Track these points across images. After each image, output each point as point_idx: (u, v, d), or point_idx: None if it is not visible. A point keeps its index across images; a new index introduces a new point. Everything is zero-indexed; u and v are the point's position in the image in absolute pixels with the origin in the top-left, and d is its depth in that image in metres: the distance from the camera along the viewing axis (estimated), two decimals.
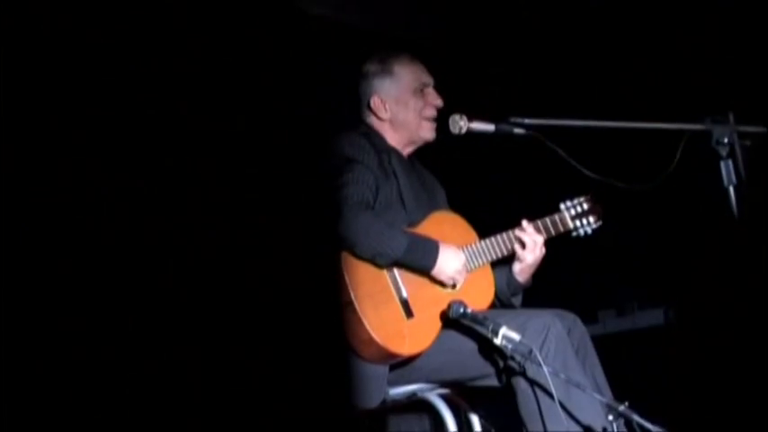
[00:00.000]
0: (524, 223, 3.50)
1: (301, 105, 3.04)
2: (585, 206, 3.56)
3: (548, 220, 3.52)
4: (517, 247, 3.49)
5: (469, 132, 3.47)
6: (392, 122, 3.64)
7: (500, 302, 3.59)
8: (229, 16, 2.87)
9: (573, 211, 3.55)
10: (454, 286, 3.41)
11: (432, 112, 3.65)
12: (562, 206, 3.55)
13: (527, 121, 3.32)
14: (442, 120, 3.58)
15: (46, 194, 2.49)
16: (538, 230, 3.49)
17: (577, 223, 3.54)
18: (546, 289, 3.63)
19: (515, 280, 3.57)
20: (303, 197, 3.02)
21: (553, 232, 3.51)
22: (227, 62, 2.83)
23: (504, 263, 3.55)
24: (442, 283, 3.41)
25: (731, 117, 3.13)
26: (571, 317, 3.40)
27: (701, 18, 4.65)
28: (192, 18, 2.79)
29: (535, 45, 5.02)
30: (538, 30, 4.94)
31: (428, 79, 3.68)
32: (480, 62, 5.02)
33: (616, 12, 4.77)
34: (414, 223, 3.48)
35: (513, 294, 3.60)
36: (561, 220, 3.52)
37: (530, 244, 3.48)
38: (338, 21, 4.41)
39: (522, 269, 3.54)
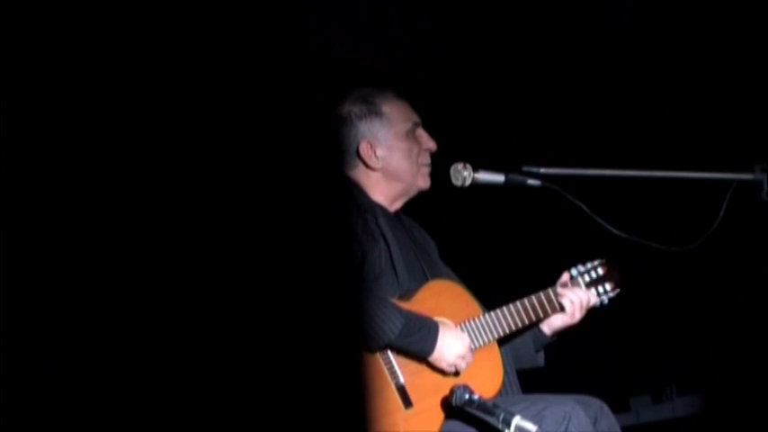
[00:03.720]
0: (564, 277, 3.55)
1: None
2: (600, 271, 3.57)
3: (561, 289, 3.54)
4: (568, 305, 3.51)
5: (474, 184, 3.47)
6: (385, 171, 3.61)
7: (517, 363, 3.60)
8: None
9: (587, 278, 3.57)
10: (457, 374, 3.40)
11: (427, 158, 3.64)
12: (574, 271, 3.57)
13: (543, 170, 3.34)
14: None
15: (42, 193, 2.67)
16: (552, 304, 3.52)
17: (593, 291, 3.56)
18: (568, 371, 3.72)
19: (543, 334, 3.59)
20: (276, 269, 3.04)
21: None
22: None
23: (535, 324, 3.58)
24: (442, 371, 3.40)
25: None
26: (597, 404, 3.36)
27: (746, 55, 4.73)
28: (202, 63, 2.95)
29: (553, 81, 5.04)
30: (555, 63, 4.96)
31: (417, 118, 3.67)
32: (484, 100, 5.04)
33: (649, 42, 4.87)
34: (406, 295, 3.45)
35: (538, 351, 3.64)
36: (574, 287, 3.56)
37: (584, 302, 3.52)
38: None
39: (564, 325, 3.56)
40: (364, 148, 3.60)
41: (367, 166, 3.61)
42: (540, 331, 3.59)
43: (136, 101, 2.78)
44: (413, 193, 3.65)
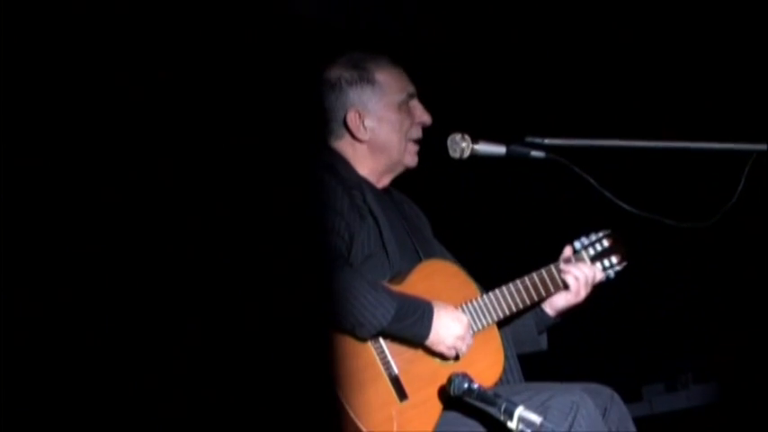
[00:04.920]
0: (567, 252, 3.57)
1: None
2: (606, 243, 3.58)
3: (564, 266, 3.56)
4: (572, 282, 3.52)
5: (473, 156, 3.44)
6: (371, 145, 3.58)
7: (518, 347, 3.60)
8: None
9: (591, 251, 3.57)
10: (457, 357, 3.37)
11: (419, 133, 3.60)
12: (577, 244, 3.57)
13: (548, 141, 3.32)
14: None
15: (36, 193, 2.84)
16: (553, 277, 3.52)
17: (598, 266, 3.56)
18: (575, 357, 3.74)
19: (546, 315, 3.60)
20: (258, 253, 3.08)
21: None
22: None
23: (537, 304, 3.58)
24: (440, 355, 3.37)
25: None
26: (607, 393, 3.35)
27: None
28: (171, 19, 3.07)
29: (558, 43, 5.00)
30: (562, 22, 4.94)
31: (412, 88, 3.62)
32: (483, 64, 5.01)
33: (666, 4, 4.85)
34: (398, 276, 3.41)
35: (541, 333, 3.64)
36: (578, 262, 3.57)
37: (589, 277, 3.53)
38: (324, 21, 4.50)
39: (568, 304, 3.56)
40: (352, 118, 3.55)
41: (353, 137, 3.57)
42: (543, 312, 3.58)
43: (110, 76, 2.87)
44: (399, 170, 3.63)
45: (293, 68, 3.25)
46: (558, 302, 3.56)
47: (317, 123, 3.62)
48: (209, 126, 3.15)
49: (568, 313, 3.59)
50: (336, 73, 3.57)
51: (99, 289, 2.82)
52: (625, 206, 3.30)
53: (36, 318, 2.73)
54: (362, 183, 3.53)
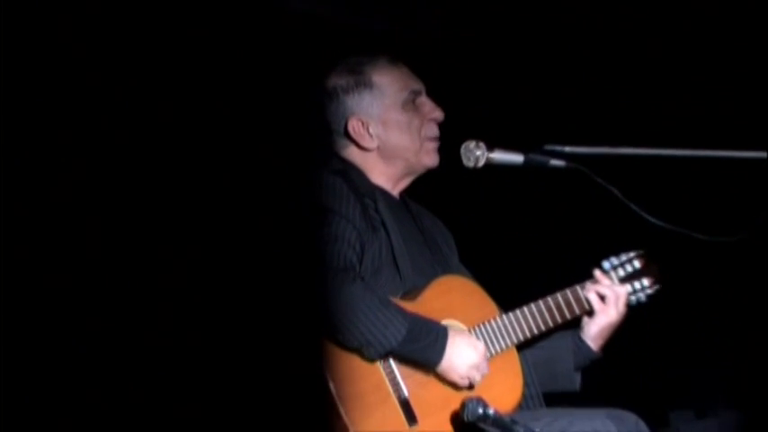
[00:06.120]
0: (597, 274, 3.55)
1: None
2: (637, 264, 3.56)
3: (589, 285, 3.55)
4: (596, 302, 3.51)
5: (488, 165, 3.42)
6: (382, 151, 3.55)
7: (549, 383, 3.57)
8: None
9: (621, 272, 3.55)
10: (471, 386, 3.34)
11: (433, 130, 3.56)
12: (606, 265, 3.55)
13: (568, 149, 3.30)
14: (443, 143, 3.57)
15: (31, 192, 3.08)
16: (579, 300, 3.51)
17: (627, 288, 3.54)
18: (599, 381, 3.61)
19: (587, 348, 3.56)
20: (263, 265, 3.19)
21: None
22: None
23: (559, 329, 3.55)
24: (454, 382, 3.36)
25: None
26: (632, 420, 3.34)
27: None
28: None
29: (580, 45, 4.99)
30: (583, 23, 4.93)
31: (418, 85, 3.59)
32: (500, 67, 5.00)
33: (694, 8, 4.83)
34: (411, 293, 3.38)
35: (578, 369, 3.60)
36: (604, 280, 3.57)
37: (612, 297, 3.50)
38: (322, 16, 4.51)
39: (602, 330, 3.54)
40: (354, 126, 3.52)
41: (360, 146, 3.54)
42: (583, 344, 3.56)
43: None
44: (419, 171, 3.60)
45: (299, 73, 3.41)
46: (590, 330, 3.54)
47: (320, 137, 3.61)
48: (210, 129, 3.38)
49: (608, 345, 3.57)
50: (332, 82, 3.56)
51: (103, 292, 3.04)
52: (652, 219, 3.27)
53: (25, 320, 2.96)
54: (375, 191, 3.50)
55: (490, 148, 3.42)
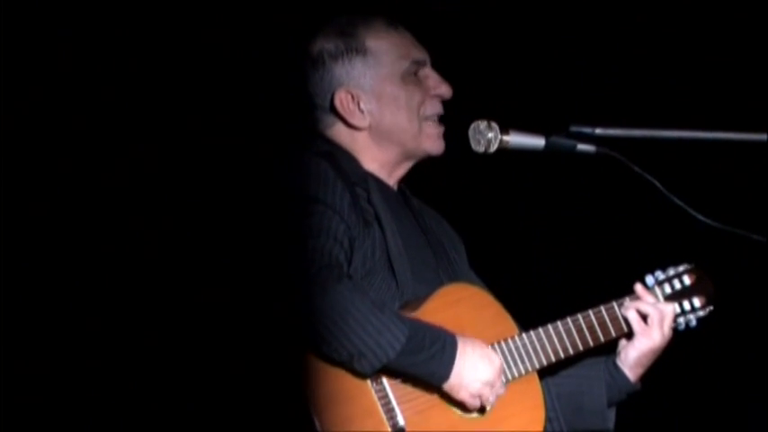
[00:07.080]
0: (639, 289, 3.41)
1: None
2: (687, 281, 3.43)
3: (628, 302, 3.45)
4: (636, 322, 3.38)
5: (502, 149, 3.26)
6: (374, 131, 3.34)
7: (579, 422, 3.44)
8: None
9: (668, 289, 3.42)
10: (483, 410, 3.15)
11: (436, 108, 3.36)
12: (650, 280, 3.43)
13: (599, 131, 3.20)
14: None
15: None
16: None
17: (675, 308, 3.43)
18: (636, 420, 3.57)
19: (623, 377, 3.42)
20: (234, 264, 3.10)
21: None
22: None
23: (591, 353, 3.46)
24: (461, 405, 3.15)
25: None
26: None
27: None
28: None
29: (609, 12, 4.84)
30: None
31: (421, 54, 3.39)
32: (517, 37, 4.87)
33: None
34: (411, 303, 3.23)
35: (612, 405, 3.48)
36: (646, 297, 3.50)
37: (656, 317, 3.35)
38: None
39: (642, 357, 3.40)
40: (342, 100, 3.32)
41: (349, 124, 3.35)
42: (619, 372, 3.40)
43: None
44: (419, 157, 3.42)
45: (277, 32, 3.37)
46: (628, 356, 3.40)
47: (302, 113, 3.44)
48: (167, 101, 3.39)
49: (648, 373, 3.44)
50: (318, 45, 3.37)
51: (87, 294, 3.13)
52: (700, 217, 3.17)
53: (25, 320, 3.09)
54: (368, 178, 3.33)
55: (504, 129, 3.26)
